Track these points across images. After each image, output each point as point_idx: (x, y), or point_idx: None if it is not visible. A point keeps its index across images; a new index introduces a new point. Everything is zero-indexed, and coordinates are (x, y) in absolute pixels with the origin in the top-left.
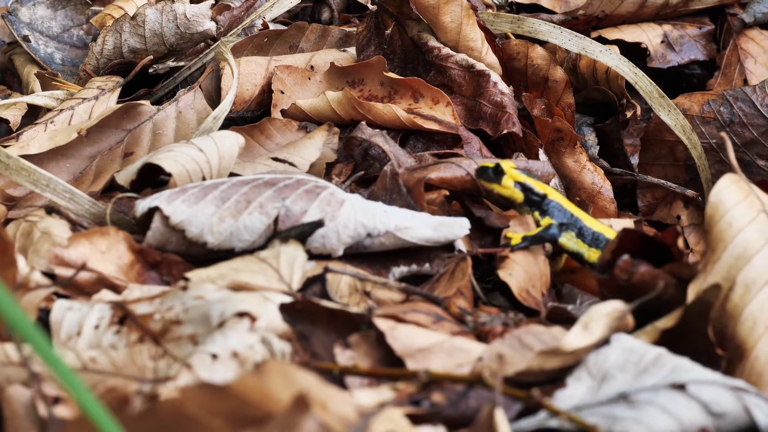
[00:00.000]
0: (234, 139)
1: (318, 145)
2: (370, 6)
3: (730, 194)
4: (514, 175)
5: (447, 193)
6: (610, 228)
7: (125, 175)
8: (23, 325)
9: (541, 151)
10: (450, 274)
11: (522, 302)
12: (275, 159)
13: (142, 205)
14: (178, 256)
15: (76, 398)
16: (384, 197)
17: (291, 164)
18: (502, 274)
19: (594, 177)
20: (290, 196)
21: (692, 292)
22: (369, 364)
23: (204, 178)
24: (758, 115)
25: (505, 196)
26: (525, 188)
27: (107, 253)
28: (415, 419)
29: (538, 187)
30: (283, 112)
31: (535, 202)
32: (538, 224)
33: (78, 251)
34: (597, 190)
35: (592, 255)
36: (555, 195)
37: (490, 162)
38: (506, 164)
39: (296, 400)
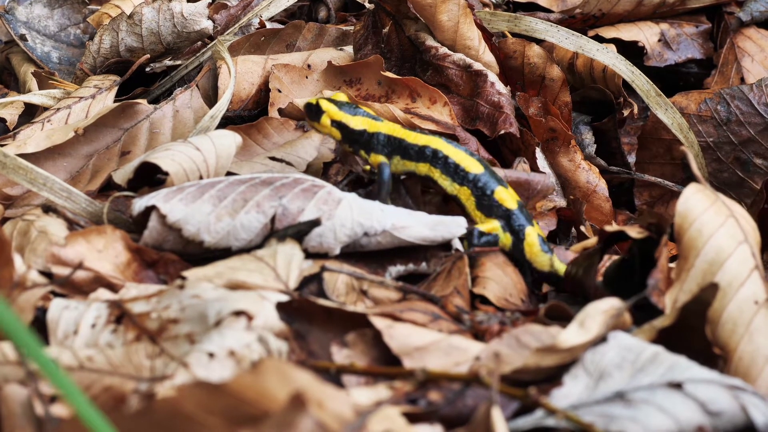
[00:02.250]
0: (231, 139)
1: (315, 144)
2: (367, 5)
3: (697, 202)
4: (332, 113)
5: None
6: (435, 138)
7: (122, 174)
8: (14, 326)
9: (537, 150)
10: (447, 273)
11: (503, 308)
12: (272, 158)
13: (139, 204)
14: (175, 255)
15: (67, 399)
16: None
17: (288, 163)
18: (477, 290)
19: (589, 176)
20: (287, 195)
21: (669, 302)
22: (366, 363)
23: (201, 178)
24: (755, 113)
25: (326, 134)
26: (341, 126)
27: (104, 252)
28: (412, 418)
29: (355, 122)
30: (281, 111)
31: (356, 140)
32: (367, 162)
33: (75, 250)
34: (592, 189)
35: (421, 168)
36: (377, 126)
37: (314, 98)
38: (326, 102)
39: (293, 399)
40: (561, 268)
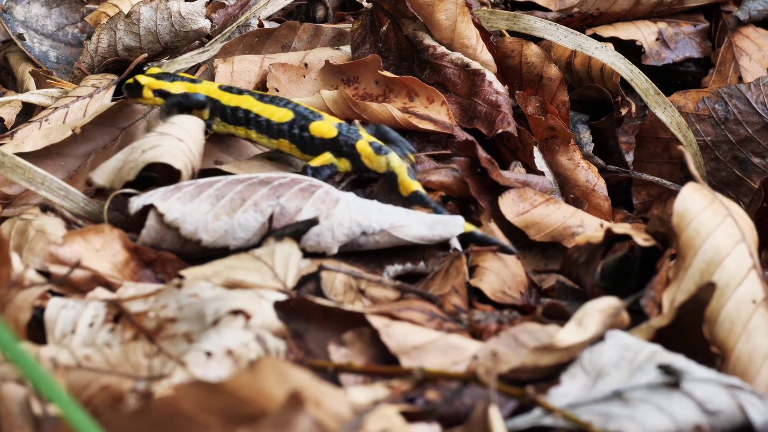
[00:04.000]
0: (195, 123)
1: None
2: (365, 3)
3: (695, 202)
4: (151, 83)
5: (443, 193)
6: (246, 97)
7: (102, 174)
8: None
9: (535, 149)
10: (445, 272)
11: (498, 302)
12: (270, 158)
13: (137, 203)
14: (172, 254)
15: (54, 400)
16: (383, 197)
17: (287, 163)
18: (474, 282)
19: (588, 175)
20: (285, 194)
21: (667, 302)
22: (363, 362)
23: (192, 169)
24: (753, 112)
25: (149, 105)
26: (162, 93)
27: (102, 251)
28: (410, 417)
29: (175, 87)
30: None
31: (180, 102)
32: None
33: (73, 249)
34: (591, 188)
35: (240, 132)
36: (196, 88)
37: (131, 78)
38: (143, 76)
39: (290, 398)
40: (397, 166)
